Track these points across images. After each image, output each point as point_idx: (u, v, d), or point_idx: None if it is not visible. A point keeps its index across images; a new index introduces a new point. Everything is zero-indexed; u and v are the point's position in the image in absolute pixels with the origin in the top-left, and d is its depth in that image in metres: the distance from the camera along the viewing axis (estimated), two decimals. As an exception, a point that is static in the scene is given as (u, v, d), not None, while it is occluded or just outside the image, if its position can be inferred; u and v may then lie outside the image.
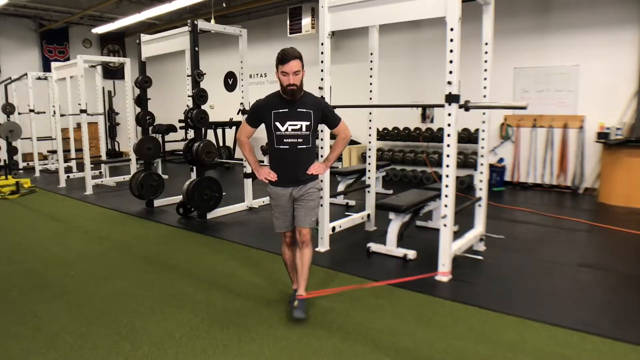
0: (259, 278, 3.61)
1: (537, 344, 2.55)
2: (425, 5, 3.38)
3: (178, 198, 6.03)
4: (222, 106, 10.99)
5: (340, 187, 6.18)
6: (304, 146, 2.84)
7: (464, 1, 3.27)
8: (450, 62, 3.27)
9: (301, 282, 2.95)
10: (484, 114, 4.16)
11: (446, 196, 3.46)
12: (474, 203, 4.22)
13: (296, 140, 2.82)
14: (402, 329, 2.75)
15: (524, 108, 3.36)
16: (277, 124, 2.80)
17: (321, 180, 3.17)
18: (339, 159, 8.33)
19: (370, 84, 4.62)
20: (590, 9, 6.58)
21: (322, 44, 4.00)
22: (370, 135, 4.77)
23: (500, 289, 3.35)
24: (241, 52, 5.87)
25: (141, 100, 6.08)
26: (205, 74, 5.38)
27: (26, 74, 9.51)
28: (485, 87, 4.01)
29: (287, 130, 2.80)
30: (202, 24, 5.29)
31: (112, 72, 12.70)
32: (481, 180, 4.22)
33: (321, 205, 3.99)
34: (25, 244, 4.70)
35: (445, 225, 3.47)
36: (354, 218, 4.72)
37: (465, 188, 7.02)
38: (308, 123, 2.81)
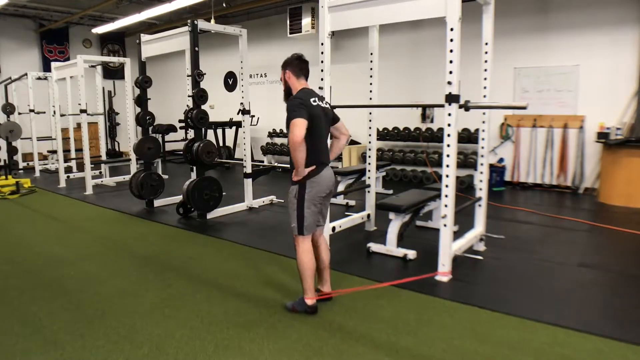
0: (259, 278, 3.61)
1: (537, 344, 2.55)
2: (425, 5, 3.38)
3: (178, 198, 6.03)
4: (222, 106, 11.00)
5: (340, 187, 6.18)
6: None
7: (464, 1, 3.27)
8: (450, 62, 3.27)
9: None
10: (484, 114, 4.16)
11: (446, 196, 3.46)
12: (474, 203, 4.22)
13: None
14: (402, 329, 2.75)
15: (524, 108, 3.37)
16: None
17: (299, 185, 2.90)
18: (339, 158, 8.32)
19: (370, 84, 4.62)
20: (590, 9, 6.58)
21: (322, 44, 4.00)
22: (370, 135, 4.77)
23: (500, 289, 3.35)
24: (241, 52, 5.87)
25: (141, 100, 6.08)
26: (205, 74, 5.38)
27: (26, 74, 9.51)
28: (485, 87, 4.01)
29: None
30: (202, 24, 5.29)
31: (112, 72, 12.69)
32: (481, 180, 4.22)
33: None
34: (25, 244, 4.70)
35: (445, 225, 3.47)
36: (354, 218, 4.72)
37: (465, 188, 7.03)
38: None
